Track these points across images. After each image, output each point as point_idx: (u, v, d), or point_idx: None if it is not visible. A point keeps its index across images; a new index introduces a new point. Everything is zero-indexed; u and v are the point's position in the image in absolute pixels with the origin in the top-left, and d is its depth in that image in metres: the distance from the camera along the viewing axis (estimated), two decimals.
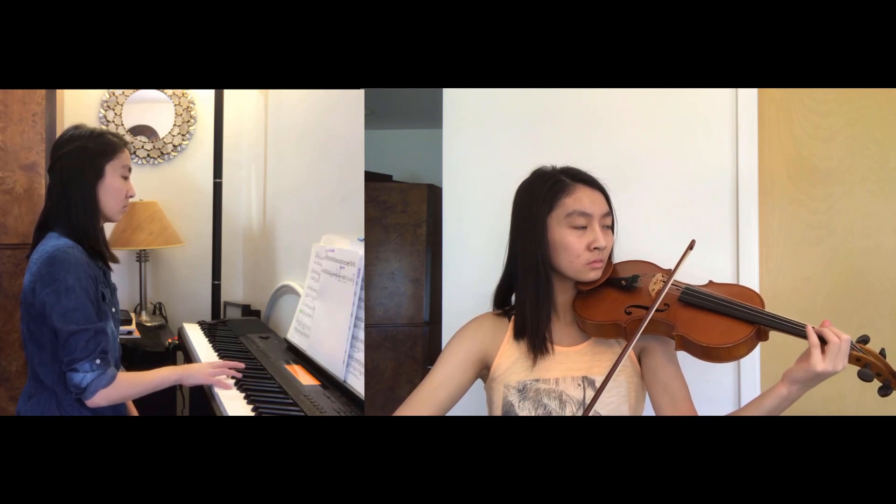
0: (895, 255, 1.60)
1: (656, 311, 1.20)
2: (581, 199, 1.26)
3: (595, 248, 1.25)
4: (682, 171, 1.69)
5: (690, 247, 1.25)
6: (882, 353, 1.13)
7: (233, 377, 1.72)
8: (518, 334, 1.30)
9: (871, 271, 1.61)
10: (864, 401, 1.59)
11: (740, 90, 1.66)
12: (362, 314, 1.87)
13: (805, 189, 1.65)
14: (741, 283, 1.63)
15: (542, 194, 1.27)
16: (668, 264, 1.34)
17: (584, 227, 1.25)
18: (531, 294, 1.27)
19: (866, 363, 1.11)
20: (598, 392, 1.19)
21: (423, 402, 1.28)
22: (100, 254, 1.53)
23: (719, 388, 1.66)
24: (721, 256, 1.67)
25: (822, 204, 1.64)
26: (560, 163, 1.34)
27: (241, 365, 1.75)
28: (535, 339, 1.27)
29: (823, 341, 1.10)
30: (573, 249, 1.25)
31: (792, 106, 1.66)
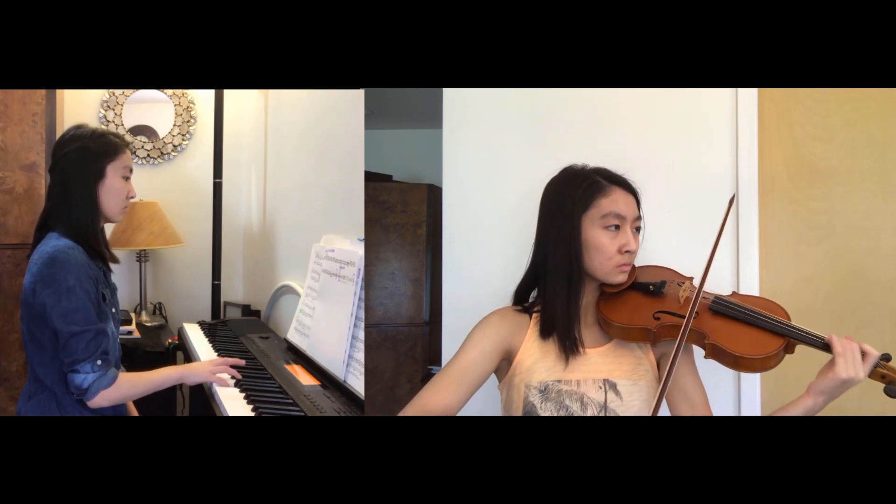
0: (895, 255, 1.60)
1: (689, 320, 1.21)
2: (617, 200, 1.26)
3: (626, 251, 1.25)
4: (682, 171, 1.69)
5: (704, 278, 1.25)
6: None
7: (233, 377, 1.72)
8: (544, 333, 1.28)
9: (871, 271, 1.61)
10: (864, 402, 1.59)
11: (740, 90, 1.66)
12: (362, 314, 1.87)
13: (805, 189, 1.65)
14: (741, 283, 1.63)
15: (579, 193, 1.26)
16: (667, 264, 1.35)
17: (618, 229, 1.25)
18: (562, 293, 1.26)
19: (891, 380, 1.15)
20: (660, 396, 1.17)
21: (453, 381, 1.24)
22: (100, 254, 1.53)
23: (719, 392, 1.66)
24: (721, 256, 1.66)
25: (822, 204, 1.64)
26: (560, 163, 1.34)
27: (242, 362, 1.74)
28: (567, 340, 1.26)
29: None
30: (606, 251, 1.24)
31: (792, 106, 1.66)
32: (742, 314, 1.23)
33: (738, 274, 1.65)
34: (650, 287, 1.28)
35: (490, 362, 1.28)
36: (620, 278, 1.27)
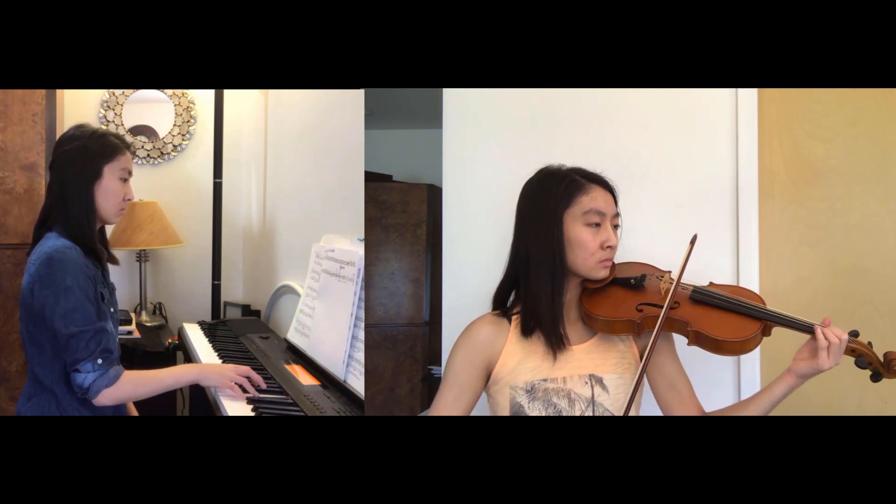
0: (895, 255, 1.60)
1: (669, 309, 1.26)
2: (597, 198, 1.28)
3: (608, 247, 1.27)
4: (682, 170, 1.69)
5: (693, 241, 1.29)
6: (869, 344, 1.25)
7: (249, 392, 1.63)
8: (527, 332, 1.29)
9: (871, 271, 1.61)
10: (864, 401, 1.59)
11: (740, 90, 1.66)
12: (362, 314, 1.86)
13: (805, 189, 1.65)
14: (741, 283, 1.63)
15: (560, 192, 1.28)
16: (668, 264, 1.35)
17: (598, 226, 1.27)
18: (546, 289, 1.27)
19: (860, 353, 1.24)
20: (634, 392, 1.25)
21: (448, 412, 1.29)
22: (97, 254, 1.53)
23: (719, 388, 1.67)
24: (721, 256, 1.67)
25: (822, 204, 1.64)
26: (561, 163, 1.34)
27: (263, 385, 1.69)
28: (553, 336, 1.27)
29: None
30: (588, 247, 1.26)
31: (792, 106, 1.66)
32: (721, 301, 1.28)
33: (738, 274, 1.65)
34: (631, 281, 1.32)
35: (473, 388, 1.31)
36: (603, 273, 1.29)
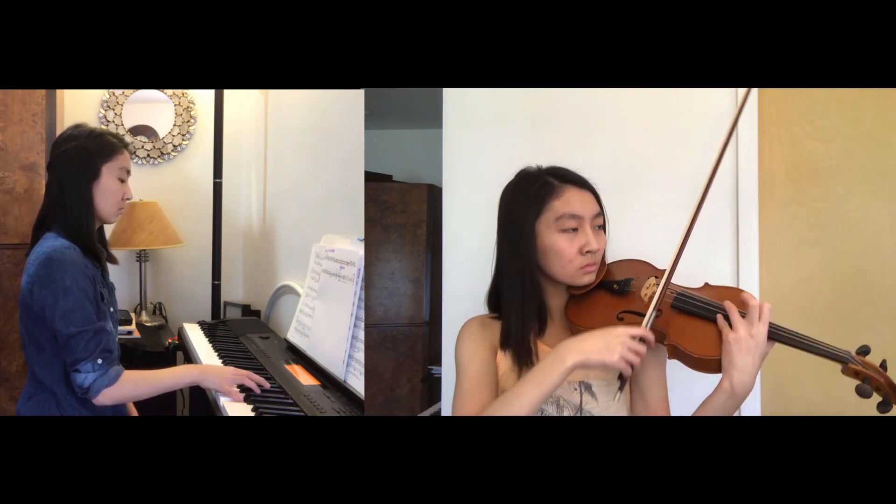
0: (895, 255, 1.60)
1: (652, 319, 1.16)
2: (570, 200, 1.21)
3: (588, 252, 1.20)
4: (682, 171, 1.69)
5: (682, 243, 1.21)
6: (883, 365, 1.08)
7: (250, 391, 1.64)
8: (503, 344, 1.25)
9: (871, 271, 1.61)
10: (864, 401, 1.59)
11: (740, 90, 1.66)
12: (362, 314, 1.87)
13: (805, 189, 1.65)
14: (741, 284, 1.63)
15: (530, 197, 1.22)
16: (666, 264, 1.34)
17: (575, 230, 1.21)
18: (517, 303, 1.22)
19: (865, 377, 1.07)
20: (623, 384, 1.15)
21: (473, 394, 1.21)
22: (96, 254, 1.53)
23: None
24: (721, 256, 1.66)
25: (822, 204, 1.64)
26: (560, 163, 1.32)
27: (266, 384, 1.69)
28: (521, 350, 1.22)
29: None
30: (565, 254, 1.20)
31: (792, 106, 1.66)
32: (704, 310, 1.16)
33: (738, 274, 1.65)
34: (614, 286, 1.24)
35: (494, 363, 1.26)
36: (586, 280, 1.22)
